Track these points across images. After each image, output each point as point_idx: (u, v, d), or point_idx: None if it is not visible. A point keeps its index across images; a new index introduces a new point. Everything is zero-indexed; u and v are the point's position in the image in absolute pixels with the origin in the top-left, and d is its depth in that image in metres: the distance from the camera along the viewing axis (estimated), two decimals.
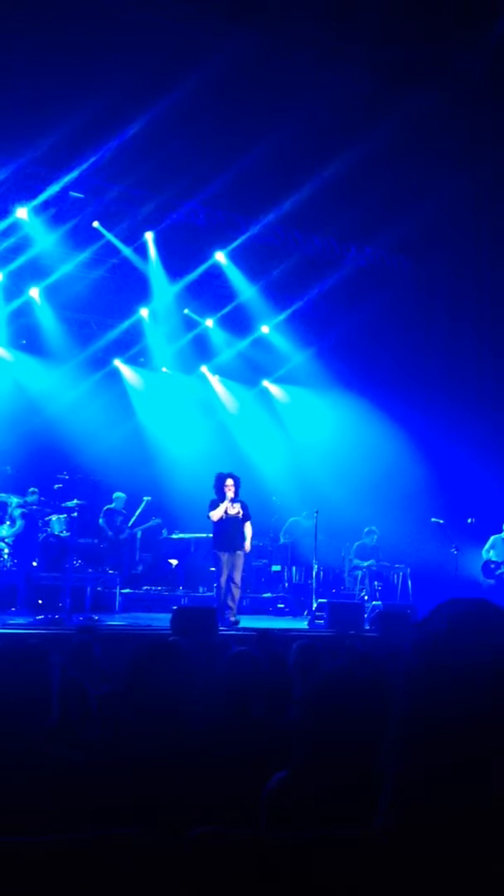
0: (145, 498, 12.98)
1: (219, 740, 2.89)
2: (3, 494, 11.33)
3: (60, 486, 12.37)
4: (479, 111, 13.18)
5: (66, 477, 12.79)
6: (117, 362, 15.20)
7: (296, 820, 1.80)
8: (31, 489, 11.50)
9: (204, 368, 15.73)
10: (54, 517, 11.46)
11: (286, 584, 13.52)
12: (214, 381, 15.86)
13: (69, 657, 4.31)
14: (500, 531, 11.88)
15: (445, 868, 0.94)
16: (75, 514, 11.27)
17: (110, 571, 11.89)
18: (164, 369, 15.46)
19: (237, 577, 9.49)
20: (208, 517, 9.69)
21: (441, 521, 12.17)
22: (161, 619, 8.51)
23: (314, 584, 10.98)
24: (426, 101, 11.97)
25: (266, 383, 16.00)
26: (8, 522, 10.99)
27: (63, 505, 11.61)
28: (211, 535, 9.92)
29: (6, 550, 10.83)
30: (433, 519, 12.29)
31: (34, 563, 10.95)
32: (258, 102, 12.04)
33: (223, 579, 9.45)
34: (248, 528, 9.68)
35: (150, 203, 12.79)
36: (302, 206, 12.68)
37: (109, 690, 3.75)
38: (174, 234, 13.49)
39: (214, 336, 15.43)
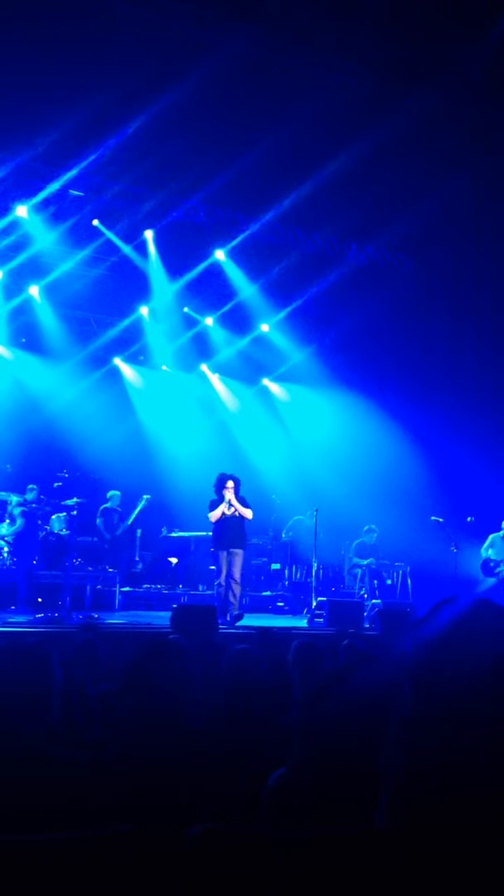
0: (145, 496, 12.99)
1: (218, 738, 2.89)
2: (2, 493, 11.32)
3: (60, 484, 12.38)
4: (479, 111, 13.16)
5: (66, 475, 12.79)
6: (117, 360, 15.19)
7: (296, 818, 1.80)
8: (30, 486, 11.49)
9: (204, 367, 15.73)
10: (54, 515, 11.48)
11: (286, 583, 13.54)
12: (214, 379, 15.85)
13: (72, 655, 4.31)
14: (499, 529, 11.89)
15: (445, 867, 0.94)
16: (75, 512, 11.28)
17: (110, 570, 11.89)
18: (163, 367, 15.46)
19: (237, 573, 9.54)
20: (208, 517, 9.74)
21: (441, 520, 12.17)
22: (161, 618, 8.53)
23: (314, 583, 10.99)
24: (426, 100, 11.94)
25: (266, 381, 15.99)
26: (8, 521, 10.99)
27: (63, 503, 11.62)
28: (210, 533, 9.96)
29: (6, 549, 10.84)
30: (433, 517, 12.28)
31: (34, 562, 10.97)
32: (258, 101, 12.01)
33: (223, 578, 9.48)
34: (245, 510, 9.66)
35: (149, 201, 12.77)
36: (302, 204, 12.65)
37: (109, 689, 3.75)
38: (174, 233, 13.47)
39: (214, 334, 15.41)
